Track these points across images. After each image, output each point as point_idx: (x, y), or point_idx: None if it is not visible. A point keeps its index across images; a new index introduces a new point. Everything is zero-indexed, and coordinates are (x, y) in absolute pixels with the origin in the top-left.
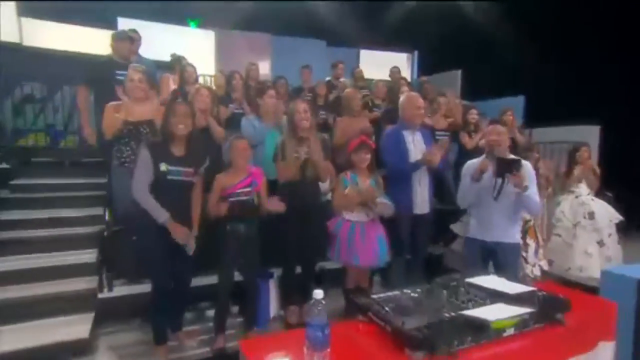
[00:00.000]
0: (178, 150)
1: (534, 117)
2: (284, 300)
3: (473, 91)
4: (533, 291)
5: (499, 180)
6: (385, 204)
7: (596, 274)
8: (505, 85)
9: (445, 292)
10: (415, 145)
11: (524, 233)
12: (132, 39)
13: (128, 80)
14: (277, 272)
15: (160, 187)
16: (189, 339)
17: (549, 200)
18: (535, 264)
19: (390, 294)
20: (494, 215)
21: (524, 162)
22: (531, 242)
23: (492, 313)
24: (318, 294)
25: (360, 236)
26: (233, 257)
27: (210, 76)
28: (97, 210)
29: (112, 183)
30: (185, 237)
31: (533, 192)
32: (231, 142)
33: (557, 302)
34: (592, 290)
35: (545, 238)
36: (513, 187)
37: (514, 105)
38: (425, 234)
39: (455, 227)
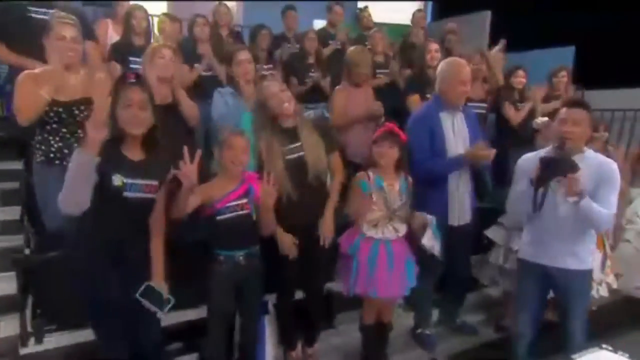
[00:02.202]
0: (135, 152)
1: (587, 75)
2: (282, 340)
3: (505, 38)
4: None
5: (540, 190)
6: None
7: None
8: (548, 30)
9: None
10: (456, 133)
11: None
12: None
13: (55, 38)
14: (270, 299)
15: (111, 211)
16: None
17: (621, 197)
18: (601, 281)
19: None
20: (557, 230)
21: (601, 159)
22: (596, 253)
23: None
24: None
25: (387, 261)
26: (228, 300)
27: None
28: (12, 213)
29: (35, 188)
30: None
31: (608, 204)
32: (227, 136)
33: None
34: None
35: (612, 244)
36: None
37: (560, 59)
38: (466, 249)
39: (491, 233)
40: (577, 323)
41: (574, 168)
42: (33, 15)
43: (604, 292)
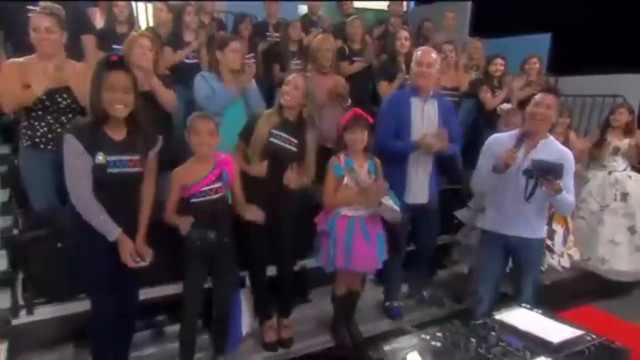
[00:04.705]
0: (117, 132)
1: (563, 62)
2: (258, 312)
3: (485, 26)
4: (581, 337)
5: (531, 181)
6: (392, 210)
7: (621, 266)
8: (526, 18)
9: (473, 340)
10: (425, 119)
11: (550, 218)
12: None
13: (31, 30)
14: (247, 274)
15: (98, 185)
16: None
17: (577, 179)
18: (563, 253)
19: (404, 343)
20: (520, 205)
21: (560, 148)
22: (558, 229)
23: None
24: None
25: (362, 235)
26: (201, 272)
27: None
28: (1, 195)
29: (22, 171)
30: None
31: (569, 190)
32: (193, 121)
33: (613, 353)
34: (619, 286)
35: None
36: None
37: (536, 46)
38: (429, 225)
39: (460, 214)
40: (528, 290)
41: (559, 174)
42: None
43: (565, 262)
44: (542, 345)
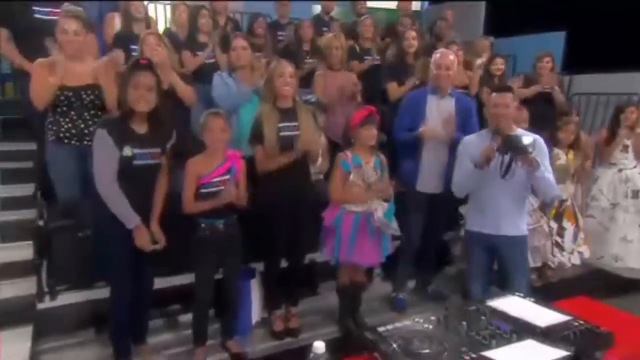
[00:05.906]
0: (141, 126)
1: (577, 60)
2: (268, 302)
3: (500, 25)
4: (568, 322)
5: (507, 157)
6: (386, 226)
7: (635, 264)
8: (540, 17)
9: (464, 323)
10: (440, 115)
11: (560, 215)
12: None
13: (60, 32)
14: (257, 266)
15: (123, 176)
16: (156, 354)
17: (587, 176)
18: (573, 250)
19: (399, 325)
20: (499, 203)
21: (534, 137)
22: (568, 226)
23: (518, 356)
24: (319, 347)
25: (367, 231)
26: (211, 261)
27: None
28: (26, 189)
29: (48, 164)
30: (149, 244)
31: (548, 171)
32: (206, 118)
33: (597, 337)
34: (629, 283)
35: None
36: (522, 166)
37: (551, 45)
38: (437, 218)
39: (464, 210)
40: (518, 285)
41: (529, 145)
42: (37, 15)
43: (575, 260)
44: (529, 329)
